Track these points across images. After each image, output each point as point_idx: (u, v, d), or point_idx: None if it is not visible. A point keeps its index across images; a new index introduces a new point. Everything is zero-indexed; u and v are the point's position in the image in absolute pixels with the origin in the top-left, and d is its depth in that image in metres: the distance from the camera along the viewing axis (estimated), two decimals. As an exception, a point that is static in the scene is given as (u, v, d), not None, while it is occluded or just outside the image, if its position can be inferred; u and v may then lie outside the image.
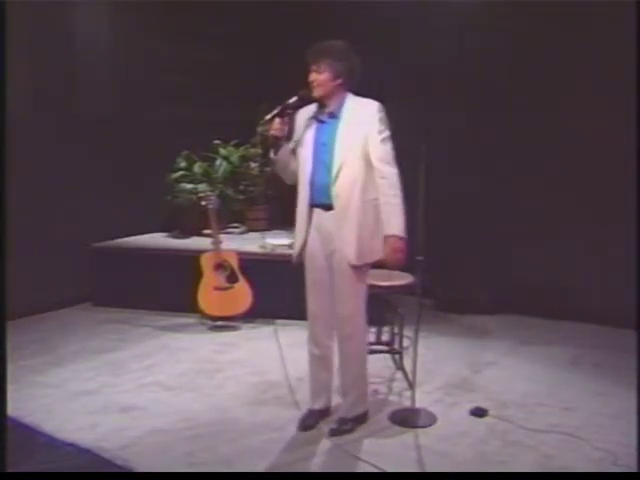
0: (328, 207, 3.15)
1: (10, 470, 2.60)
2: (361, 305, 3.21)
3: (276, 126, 3.17)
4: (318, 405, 3.40)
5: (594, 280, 4.89)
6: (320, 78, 3.10)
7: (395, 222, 3.08)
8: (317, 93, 3.14)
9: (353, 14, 5.79)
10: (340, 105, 3.14)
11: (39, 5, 5.13)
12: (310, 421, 3.35)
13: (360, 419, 3.35)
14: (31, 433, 3.32)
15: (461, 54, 5.28)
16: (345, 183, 3.09)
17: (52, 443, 3.22)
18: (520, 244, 5.21)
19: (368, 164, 3.11)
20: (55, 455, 3.09)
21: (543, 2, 4.89)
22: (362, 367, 3.31)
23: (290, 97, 3.20)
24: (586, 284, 4.91)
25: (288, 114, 3.20)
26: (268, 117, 3.18)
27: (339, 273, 3.18)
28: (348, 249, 3.11)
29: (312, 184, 3.16)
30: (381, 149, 3.10)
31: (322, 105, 3.18)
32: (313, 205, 3.20)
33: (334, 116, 3.15)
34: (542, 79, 5.04)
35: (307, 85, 3.16)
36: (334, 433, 3.26)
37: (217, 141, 6.09)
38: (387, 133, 3.12)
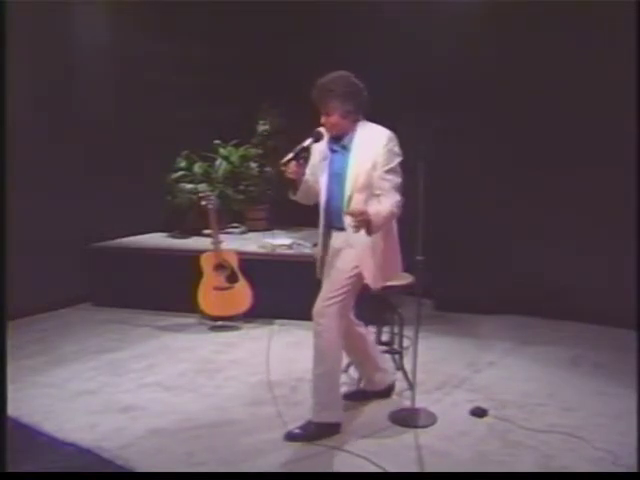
0: (342, 229, 3.26)
1: (10, 470, 2.61)
2: (336, 310, 3.18)
3: (292, 169, 3.20)
4: (362, 384, 3.74)
5: (594, 280, 4.88)
6: (331, 120, 3.18)
7: (377, 209, 3.05)
8: (331, 133, 3.23)
9: (353, 14, 5.79)
10: (351, 137, 3.22)
11: (39, 5, 5.13)
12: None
13: (327, 429, 3.24)
14: (31, 433, 3.32)
15: (461, 55, 5.27)
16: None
17: (52, 443, 3.22)
18: (520, 244, 5.20)
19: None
20: (55, 455, 3.09)
21: (543, 2, 4.89)
22: (323, 370, 3.22)
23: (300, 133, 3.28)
24: (586, 284, 4.90)
25: (304, 156, 3.25)
26: (284, 161, 3.18)
27: (332, 275, 3.27)
28: (363, 264, 3.20)
29: (328, 211, 3.30)
30: (382, 181, 3.13)
31: (335, 137, 3.27)
32: (330, 227, 3.33)
33: (345, 147, 3.23)
34: (542, 80, 5.03)
35: (319, 126, 3.23)
36: (289, 436, 3.23)
37: (217, 141, 6.10)
38: (395, 163, 3.15)
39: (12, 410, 3.26)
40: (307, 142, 3.21)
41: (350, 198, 3.16)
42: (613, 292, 4.78)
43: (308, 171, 3.33)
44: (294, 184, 3.26)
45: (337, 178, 3.23)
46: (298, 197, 3.35)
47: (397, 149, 3.18)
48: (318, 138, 3.24)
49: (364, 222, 2.97)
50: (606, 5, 4.60)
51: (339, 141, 3.25)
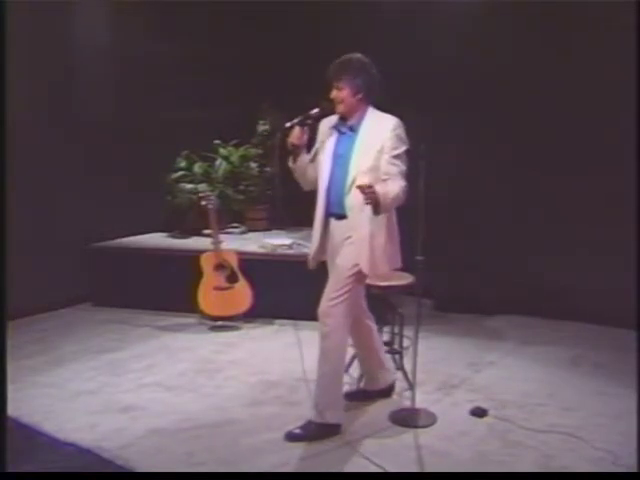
0: (341, 217, 3.26)
1: (10, 470, 2.61)
2: (342, 310, 3.18)
3: (296, 134, 3.26)
4: (362, 383, 3.74)
5: (594, 280, 4.87)
6: (341, 95, 3.21)
7: (386, 189, 3.03)
8: (339, 109, 3.25)
9: (353, 14, 5.78)
10: (360, 119, 3.24)
11: (39, 5, 5.13)
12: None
13: (327, 430, 3.25)
14: (31, 433, 3.32)
15: (461, 55, 5.27)
16: (358, 195, 3.10)
17: (52, 443, 3.22)
18: (520, 244, 5.20)
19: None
20: (55, 455, 3.10)
21: (543, 3, 4.88)
22: (328, 370, 3.23)
23: (306, 106, 3.30)
24: (586, 284, 4.90)
25: (308, 124, 3.28)
26: (288, 125, 3.25)
27: (334, 273, 3.28)
28: (362, 260, 3.19)
29: (328, 194, 3.28)
30: (389, 165, 3.15)
31: (343, 117, 3.28)
32: (328, 214, 3.32)
33: (353, 129, 3.25)
34: (542, 80, 5.03)
35: (328, 99, 3.25)
36: (289, 436, 3.23)
37: (217, 141, 6.10)
38: (402, 150, 3.18)
39: (12, 410, 3.25)
40: (314, 111, 3.27)
41: (354, 181, 3.15)
42: (613, 292, 4.78)
43: (313, 151, 3.35)
44: (295, 150, 3.29)
45: (341, 160, 3.23)
46: (296, 169, 3.36)
47: (404, 136, 3.21)
48: (325, 109, 3.27)
49: (372, 196, 2.96)
50: (604, 5, 4.60)
51: (346, 122, 3.26)
